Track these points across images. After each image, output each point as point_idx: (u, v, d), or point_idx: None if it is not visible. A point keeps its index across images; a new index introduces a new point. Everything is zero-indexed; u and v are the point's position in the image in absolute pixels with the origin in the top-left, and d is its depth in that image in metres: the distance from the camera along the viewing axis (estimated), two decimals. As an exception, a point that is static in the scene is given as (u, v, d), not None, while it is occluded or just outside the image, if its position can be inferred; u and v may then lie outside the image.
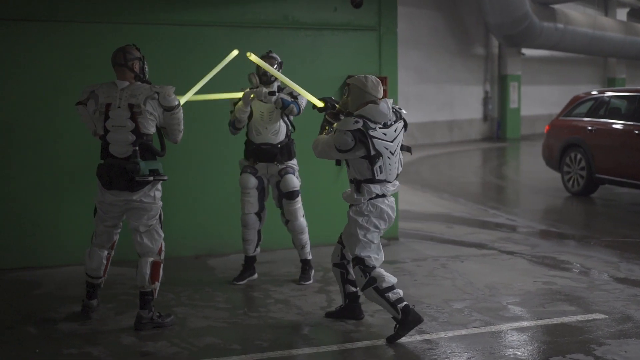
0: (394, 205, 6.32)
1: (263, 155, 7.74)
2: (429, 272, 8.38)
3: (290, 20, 9.38)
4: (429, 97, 26.51)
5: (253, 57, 7.26)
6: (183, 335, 6.29)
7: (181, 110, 6.50)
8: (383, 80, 9.56)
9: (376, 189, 6.15)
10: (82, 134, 8.42)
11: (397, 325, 6.11)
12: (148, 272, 6.42)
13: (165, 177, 6.46)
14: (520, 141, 27.41)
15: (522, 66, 29.25)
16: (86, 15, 8.55)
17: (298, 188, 7.79)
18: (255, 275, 8.04)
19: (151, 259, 6.47)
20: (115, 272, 8.08)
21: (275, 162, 7.76)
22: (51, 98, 8.42)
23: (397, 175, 6.26)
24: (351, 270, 6.43)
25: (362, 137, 6.00)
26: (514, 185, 16.86)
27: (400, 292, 6.15)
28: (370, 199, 6.17)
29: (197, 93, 7.17)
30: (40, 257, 8.55)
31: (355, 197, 6.19)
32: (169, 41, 8.84)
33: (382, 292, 6.08)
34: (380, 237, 6.34)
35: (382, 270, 6.19)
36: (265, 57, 7.74)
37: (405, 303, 6.11)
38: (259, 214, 7.89)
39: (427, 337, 6.23)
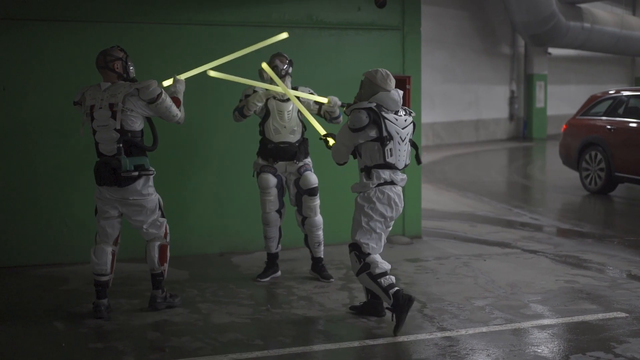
0: (402, 195, 6.46)
1: (283, 154, 7.81)
2: (451, 270, 8.42)
3: (314, 20, 9.44)
4: (455, 97, 26.47)
5: (265, 66, 7.59)
6: (207, 330, 6.37)
7: (166, 100, 6.65)
8: (406, 79, 9.60)
9: (385, 174, 6.31)
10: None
11: (393, 314, 6.28)
12: (156, 255, 6.85)
13: (151, 172, 6.73)
14: (547, 141, 27.29)
15: (549, 65, 29.12)
16: (113, 15, 8.66)
17: (317, 184, 7.87)
18: (279, 273, 8.11)
19: (158, 243, 6.86)
20: (140, 268, 8.17)
21: (295, 160, 7.84)
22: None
23: (405, 166, 6.43)
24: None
25: (376, 117, 6.20)
26: (538, 185, 16.82)
27: (393, 278, 6.32)
28: (379, 184, 6.32)
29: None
30: (68, 253, 8.67)
31: (365, 181, 6.34)
32: (194, 41, 8.93)
33: (375, 278, 6.28)
34: (388, 228, 6.49)
35: (376, 257, 6.35)
36: (276, 55, 7.82)
37: (396, 289, 6.26)
38: (279, 211, 7.96)
39: (447, 334, 6.28)
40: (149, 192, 6.73)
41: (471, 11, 26.98)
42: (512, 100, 28.71)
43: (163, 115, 6.73)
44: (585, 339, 6.18)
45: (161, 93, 6.61)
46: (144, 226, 6.78)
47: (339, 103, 7.80)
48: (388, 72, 6.40)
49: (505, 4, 25.01)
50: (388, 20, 9.72)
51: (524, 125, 28.86)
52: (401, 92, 6.42)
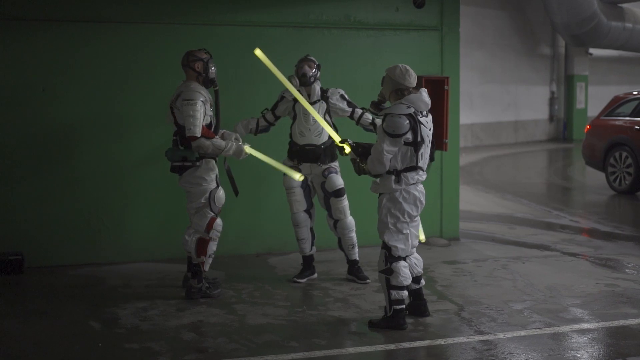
0: (424, 192, 6.45)
1: (307, 156, 7.80)
2: (489, 272, 8.35)
3: (352, 20, 9.41)
4: (494, 97, 26.27)
5: (259, 53, 7.51)
6: (242, 331, 6.36)
7: (192, 109, 6.99)
8: (445, 80, 9.52)
9: (414, 177, 6.29)
10: (148, 133, 8.61)
11: (382, 318, 6.44)
12: (194, 247, 7.24)
13: (192, 161, 7.15)
14: (587, 142, 27.01)
15: (590, 66, 28.83)
16: (151, 16, 8.69)
17: (343, 185, 7.83)
18: (315, 275, 8.08)
19: (198, 236, 7.25)
20: (177, 269, 8.22)
21: (319, 163, 7.80)
22: (116, 97, 8.60)
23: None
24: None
25: (414, 123, 6.16)
26: (578, 187, 16.65)
27: (405, 294, 6.37)
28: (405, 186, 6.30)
29: None
30: (106, 253, 8.71)
31: (394, 186, 6.28)
32: (232, 42, 8.93)
33: (388, 287, 6.33)
34: (415, 224, 6.50)
35: (401, 267, 6.33)
36: (304, 60, 7.80)
37: (402, 307, 6.34)
38: (308, 211, 7.96)
39: (485, 337, 6.22)
40: (197, 182, 7.21)
41: (510, 11, 26.78)
42: (552, 101, 28.45)
43: (183, 117, 7.05)
44: (625, 343, 6.09)
45: (195, 101, 7.00)
46: (190, 210, 7.30)
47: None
48: (407, 67, 6.36)
49: (545, 4, 24.76)
50: (426, 20, 9.66)
51: (564, 127, 28.59)
52: (425, 91, 6.39)
